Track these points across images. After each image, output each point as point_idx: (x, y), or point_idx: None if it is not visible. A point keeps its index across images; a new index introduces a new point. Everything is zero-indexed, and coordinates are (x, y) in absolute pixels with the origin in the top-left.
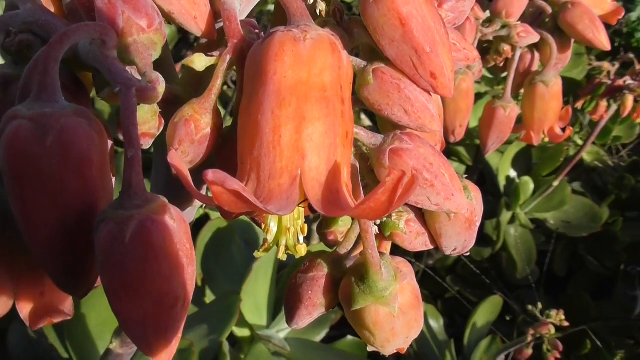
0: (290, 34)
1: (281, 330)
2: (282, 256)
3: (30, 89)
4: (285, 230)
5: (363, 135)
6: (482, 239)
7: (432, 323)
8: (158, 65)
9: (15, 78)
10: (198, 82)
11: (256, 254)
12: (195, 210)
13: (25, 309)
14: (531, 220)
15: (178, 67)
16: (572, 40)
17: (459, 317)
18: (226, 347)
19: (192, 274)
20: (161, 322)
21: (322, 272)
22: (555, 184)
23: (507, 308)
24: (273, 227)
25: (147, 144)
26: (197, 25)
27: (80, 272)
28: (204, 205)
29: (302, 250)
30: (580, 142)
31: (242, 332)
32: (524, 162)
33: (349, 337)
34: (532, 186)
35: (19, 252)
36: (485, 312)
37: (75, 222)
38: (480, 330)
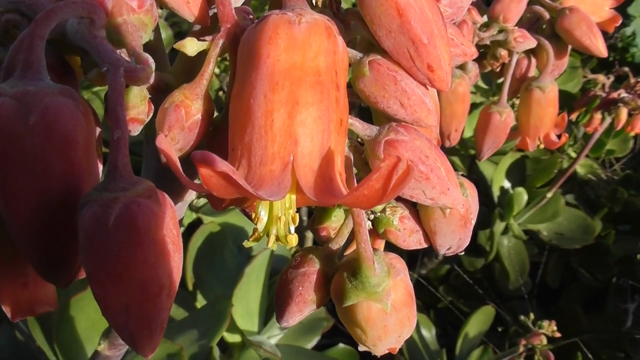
0: (285, 17)
1: (272, 337)
2: (273, 245)
3: (14, 68)
4: (276, 219)
5: (358, 126)
6: (476, 249)
7: (425, 332)
8: (149, 52)
9: (1, 61)
10: (190, 71)
11: (245, 243)
12: (185, 205)
13: (7, 301)
14: (524, 231)
15: None
16: (569, 47)
17: (451, 327)
18: (216, 352)
19: (178, 262)
20: (145, 311)
21: (313, 267)
22: (549, 195)
23: (499, 319)
24: (263, 215)
25: (135, 130)
26: (189, 10)
27: (62, 259)
28: (197, 210)
29: (292, 240)
30: (573, 154)
31: (233, 338)
32: (518, 173)
33: (341, 345)
34: (525, 197)
35: (1, 242)
36: (477, 323)
37: (58, 205)
38: (472, 341)
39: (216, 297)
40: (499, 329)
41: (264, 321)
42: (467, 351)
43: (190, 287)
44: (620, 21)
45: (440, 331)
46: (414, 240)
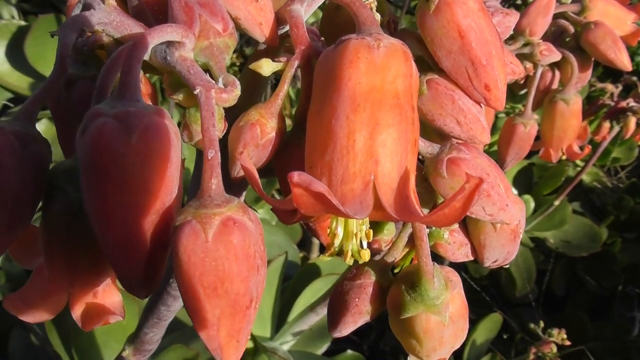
0: (364, 41)
1: (285, 343)
2: (349, 261)
3: (107, 88)
4: (351, 235)
5: (420, 144)
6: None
7: None
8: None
9: (79, 78)
10: (252, 88)
11: (321, 257)
12: None
13: (78, 310)
14: (531, 238)
15: None
16: (592, 60)
17: None
18: None
19: (264, 275)
20: (236, 323)
21: (369, 279)
22: (556, 203)
23: (504, 326)
24: (340, 232)
25: None
26: (261, 31)
27: (152, 272)
28: None
29: (366, 255)
30: (580, 162)
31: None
32: (525, 180)
33: (349, 352)
34: (532, 205)
35: (80, 252)
36: (484, 330)
37: (152, 221)
38: (480, 348)
39: None
40: (505, 336)
41: (277, 327)
42: (476, 357)
43: None
44: None
45: None
46: (462, 253)
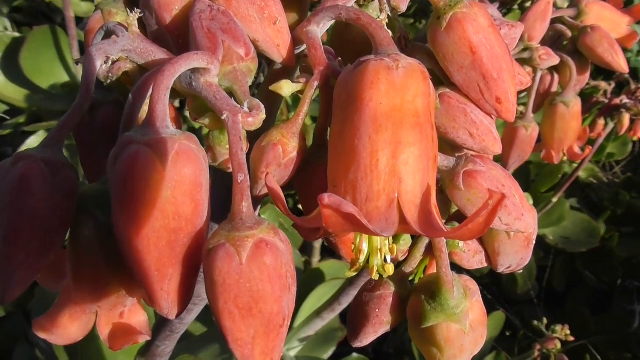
0: (383, 62)
1: (292, 349)
2: (375, 276)
3: (135, 115)
4: (376, 251)
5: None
6: None
7: None
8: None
9: (102, 103)
10: (269, 108)
11: (347, 273)
12: None
13: (105, 330)
14: None
15: None
16: (590, 62)
17: None
18: None
19: (294, 294)
20: (270, 342)
21: (389, 290)
22: (554, 200)
23: (507, 324)
24: (365, 247)
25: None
26: (279, 52)
27: (183, 295)
28: None
29: (390, 269)
30: None
31: None
32: (523, 178)
33: (354, 355)
34: (531, 202)
35: (108, 274)
36: (488, 328)
37: (185, 245)
38: (484, 347)
39: None
40: (508, 334)
41: None
42: (480, 356)
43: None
44: (638, 38)
45: None
46: (476, 261)
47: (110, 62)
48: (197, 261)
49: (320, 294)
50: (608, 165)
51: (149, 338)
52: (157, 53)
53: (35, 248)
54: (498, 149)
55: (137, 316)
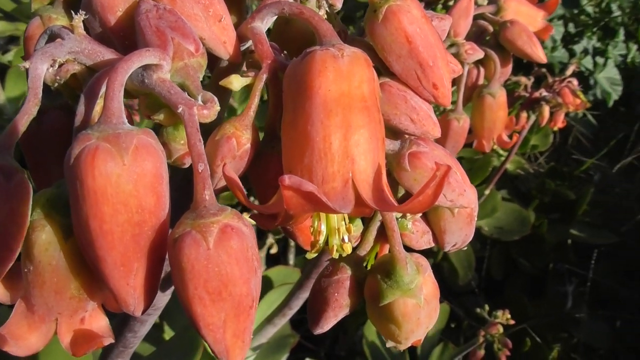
0: (329, 52)
1: (245, 358)
2: (335, 254)
3: (88, 114)
4: (334, 231)
5: None
6: (423, 250)
7: None
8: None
9: (48, 109)
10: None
11: (308, 255)
12: None
13: (66, 338)
14: None
15: None
16: (512, 55)
17: None
18: None
19: (260, 277)
20: (240, 324)
21: (346, 274)
22: (487, 192)
23: (451, 315)
24: (323, 228)
25: (188, 162)
26: (225, 49)
27: (149, 288)
28: None
29: (348, 248)
30: (502, 152)
31: None
32: None
33: None
34: None
35: (68, 280)
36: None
37: (148, 238)
38: (431, 339)
39: (185, 326)
40: (452, 325)
41: None
42: (429, 349)
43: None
44: (552, 31)
45: None
46: (425, 241)
47: (57, 65)
48: (162, 253)
49: (270, 300)
50: (533, 157)
51: (112, 341)
52: (105, 53)
53: None
54: (437, 133)
55: (98, 321)
